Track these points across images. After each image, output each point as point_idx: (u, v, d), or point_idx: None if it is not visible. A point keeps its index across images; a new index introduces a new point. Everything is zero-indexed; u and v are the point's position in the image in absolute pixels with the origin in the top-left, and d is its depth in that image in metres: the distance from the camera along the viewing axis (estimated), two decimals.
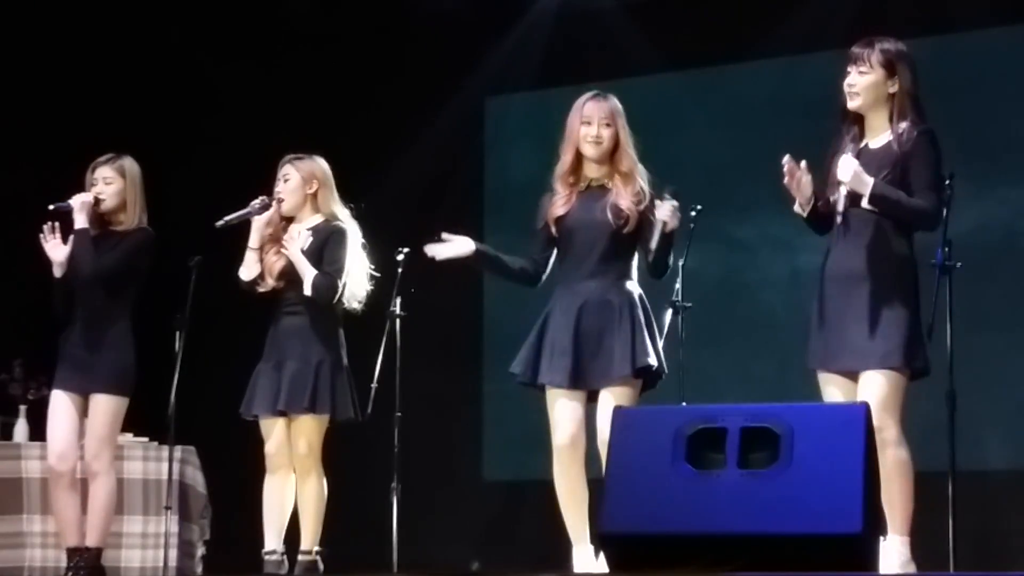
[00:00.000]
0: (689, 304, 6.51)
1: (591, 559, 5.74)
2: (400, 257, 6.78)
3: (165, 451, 7.00)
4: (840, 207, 5.44)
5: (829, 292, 5.51)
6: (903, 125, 5.46)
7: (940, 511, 5.45)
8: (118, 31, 9.23)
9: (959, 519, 5.45)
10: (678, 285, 6.50)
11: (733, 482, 4.49)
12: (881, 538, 4.81)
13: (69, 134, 8.56)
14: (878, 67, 5.48)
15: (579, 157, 5.94)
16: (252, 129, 8.94)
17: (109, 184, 6.72)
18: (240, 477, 6.84)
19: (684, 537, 4.47)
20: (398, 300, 6.82)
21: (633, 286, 5.90)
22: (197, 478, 7.60)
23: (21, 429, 7.54)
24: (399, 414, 6.78)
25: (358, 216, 6.67)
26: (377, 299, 6.72)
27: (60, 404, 6.65)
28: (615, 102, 5.96)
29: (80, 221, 6.64)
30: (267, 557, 6.47)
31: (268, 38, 9.54)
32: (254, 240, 6.56)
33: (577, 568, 5.79)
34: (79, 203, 6.65)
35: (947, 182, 5.45)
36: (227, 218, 6.55)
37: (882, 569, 4.87)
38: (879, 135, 5.52)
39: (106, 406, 6.59)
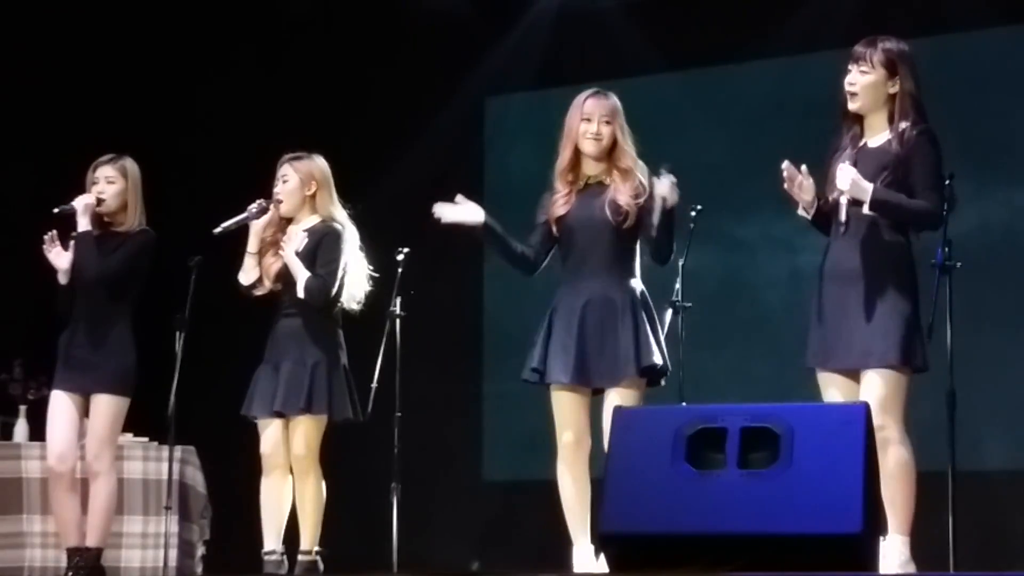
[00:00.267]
0: (689, 304, 6.50)
1: (591, 558, 5.74)
2: (400, 257, 6.79)
3: (165, 451, 6.99)
4: (842, 217, 5.44)
5: (828, 291, 5.52)
6: (903, 125, 5.46)
7: (940, 511, 5.45)
8: (118, 31, 9.23)
9: (959, 519, 5.44)
10: (678, 285, 6.49)
11: (733, 482, 4.49)
12: (881, 538, 4.81)
13: (68, 135, 8.56)
14: (879, 67, 5.48)
15: (578, 154, 5.95)
16: (252, 129, 8.94)
17: (111, 184, 6.73)
18: (240, 477, 6.84)
19: (684, 537, 4.47)
20: (398, 300, 6.82)
21: (636, 283, 5.91)
22: (197, 478, 7.60)
23: (21, 429, 7.54)
24: (399, 414, 6.78)
25: (355, 217, 6.67)
26: (377, 299, 6.72)
27: (60, 404, 6.65)
28: (615, 100, 5.97)
29: (83, 224, 6.65)
30: (267, 557, 6.47)
31: (268, 38, 9.54)
32: (252, 245, 6.54)
33: (577, 568, 5.79)
34: (82, 205, 6.66)
35: (947, 182, 5.46)
36: (225, 224, 6.53)
37: (882, 569, 4.87)
38: (878, 134, 5.53)
39: (107, 406, 6.60)
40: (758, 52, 8.40)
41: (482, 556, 8.52)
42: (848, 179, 5.36)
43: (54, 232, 6.65)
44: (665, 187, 5.77)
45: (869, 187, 5.36)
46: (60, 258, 6.65)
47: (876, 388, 5.34)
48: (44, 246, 6.64)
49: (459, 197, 5.97)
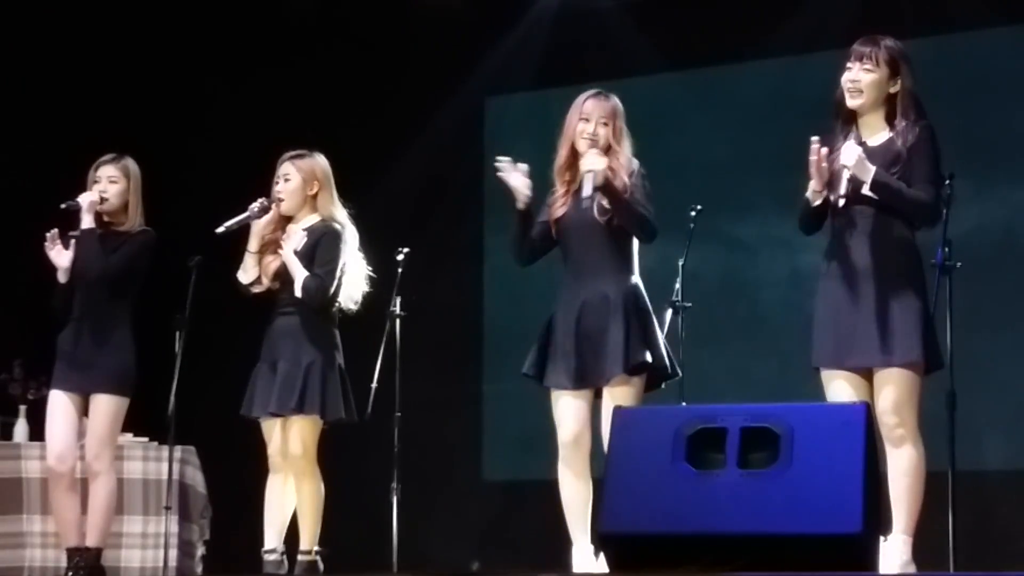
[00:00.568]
0: (689, 304, 6.51)
1: (591, 558, 5.74)
2: (400, 257, 6.79)
3: (165, 451, 6.99)
4: (842, 190, 5.39)
5: (836, 290, 5.47)
6: (905, 122, 5.46)
7: (940, 511, 5.45)
8: (118, 31, 9.23)
9: (959, 519, 5.45)
10: (678, 285, 6.50)
11: (733, 482, 4.49)
12: (882, 538, 4.81)
13: (68, 134, 8.56)
14: (884, 65, 5.47)
15: (574, 153, 5.94)
16: (252, 129, 8.94)
17: (114, 183, 6.73)
18: (240, 477, 6.85)
19: (684, 537, 4.48)
20: (398, 300, 6.82)
21: (632, 281, 5.88)
22: (197, 478, 7.60)
23: (21, 429, 7.54)
24: (399, 414, 6.79)
25: (355, 217, 6.66)
26: (377, 299, 6.72)
27: (59, 404, 6.65)
28: (616, 102, 5.96)
29: (87, 221, 6.65)
30: (267, 556, 6.46)
31: (268, 38, 9.53)
32: (253, 244, 6.53)
33: (577, 568, 5.79)
34: (87, 202, 6.66)
35: (947, 182, 5.45)
36: (227, 224, 6.51)
37: (882, 569, 4.87)
38: (877, 133, 5.52)
39: (107, 406, 6.60)
40: (758, 52, 8.40)
41: (482, 556, 8.52)
42: (854, 155, 5.34)
43: (55, 230, 6.65)
44: (590, 162, 5.76)
45: (872, 168, 5.35)
46: (61, 256, 6.65)
47: (894, 386, 5.32)
48: (45, 244, 6.64)
49: (521, 165, 5.93)
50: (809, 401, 5.46)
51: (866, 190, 5.37)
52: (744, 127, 8.41)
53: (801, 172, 5.56)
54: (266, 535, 6.49)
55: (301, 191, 6.57)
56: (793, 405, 4.77)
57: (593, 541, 5.71)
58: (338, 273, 6.47)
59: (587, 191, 5.78)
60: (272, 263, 6.52)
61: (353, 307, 6.58)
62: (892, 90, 5.50)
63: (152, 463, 7.53)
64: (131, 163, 6.80)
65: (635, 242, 5.92)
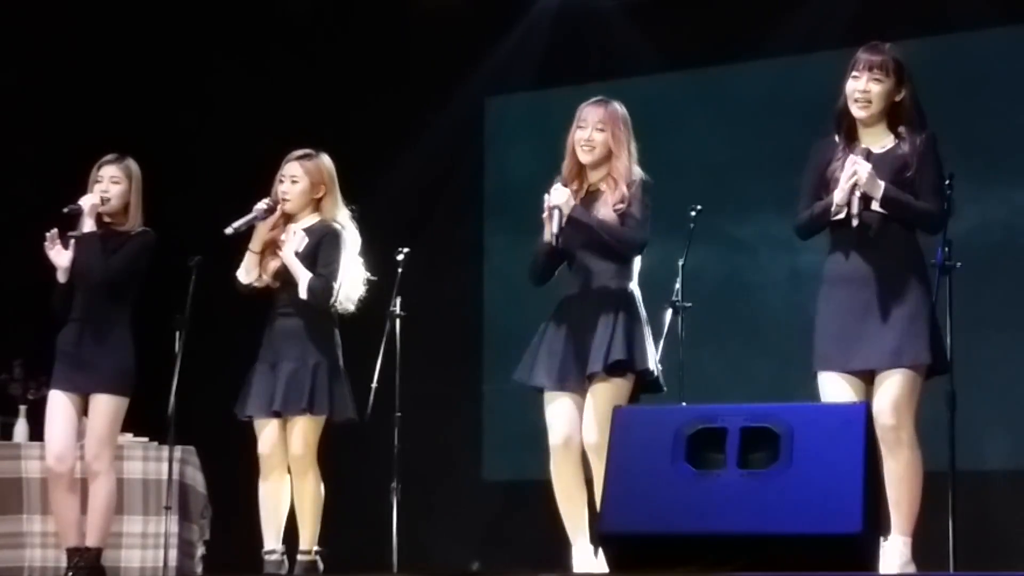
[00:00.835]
0: (689, 304, 6.51)
1: (590, 558, 5.74)
2: (400, 257, 6.79)
3: (165, 451, 7.00)
4: (855, 209, 5.38)
5: (842, 294, 5.45)
6: (910, 130, 5.44)
7: (940, 511, 5.45)
8: (119, 31, 9.23)
9: (959, 519, 5.45)
10: (678, 285, 6.50)
11: (733, 482, 4.49)
12: (882, 538, 4.81)
13: (68, 135, 8.56)
14: (892, 75, 5.44)
15: (579, 162, 5.94)
16: (252, 129, 8.94)
17: (116, 184, 6.74)
18: (240, 477, 6.84)
19: (684, 537, 4.48)
20: (398, 300, 6.82)
21: (627, 286, 5.87)
22: (197, 478, 7.61)
23: (21, 429, 7.54)
24: (399, 414, 6.78)
25: (357, 218, 6.65)
26: (377, 299, 6.72)
27: (58, 404, 6.65)
28: (615, 107, 5.93)
29: (88, 224, 6.65)
30: (267, 557, 6.47)
31: (268, 38, 9.54)
32: (256, 244, 6.52)
33: (576, 568, 5.79)
34: (89, 206, 6.66)
35: (947, 183, 5.45)
36: (235, 225, 6.47)
37: (882, 569, 4.87)
38: (880, 141, 5.49)
39: (106, 406, 6.60)
40: (758, 52, 8.39)
41: (482, 556, 8.51)
42: (866, 171, 5.34)
43: (55, 230, 6.65)
44: (556, 197, 5.74)
45: (882, 184, 5.34)
46: (60, 256, 6.65)
47: (895, 388, 5.31)
48: (45, 244, 6.64)
49: (569, 192, 5.83)
50: (809, 401, 5.46)
51: (875, 205, 5.37)
52: (744, 127, 8.41)
53: (801, 173, 5.57)
54: (265, 537, 6.49)
55: (307, 194, 6.56)
56: (793, 405, 4.77)
57: (593, 541, 5.71)
58: (340, 273, 6.47)
59: (548, 234, 5.73)
60: (272, 262, 6.52)
61: (350, 307, 6.57)
62: (897, 98, 5.47)
63: (152, 463, 7.53)
64: (133, 164, 6.81)
65: None
